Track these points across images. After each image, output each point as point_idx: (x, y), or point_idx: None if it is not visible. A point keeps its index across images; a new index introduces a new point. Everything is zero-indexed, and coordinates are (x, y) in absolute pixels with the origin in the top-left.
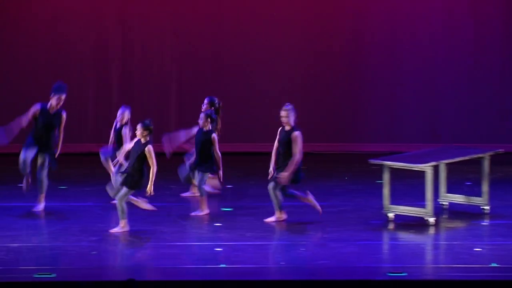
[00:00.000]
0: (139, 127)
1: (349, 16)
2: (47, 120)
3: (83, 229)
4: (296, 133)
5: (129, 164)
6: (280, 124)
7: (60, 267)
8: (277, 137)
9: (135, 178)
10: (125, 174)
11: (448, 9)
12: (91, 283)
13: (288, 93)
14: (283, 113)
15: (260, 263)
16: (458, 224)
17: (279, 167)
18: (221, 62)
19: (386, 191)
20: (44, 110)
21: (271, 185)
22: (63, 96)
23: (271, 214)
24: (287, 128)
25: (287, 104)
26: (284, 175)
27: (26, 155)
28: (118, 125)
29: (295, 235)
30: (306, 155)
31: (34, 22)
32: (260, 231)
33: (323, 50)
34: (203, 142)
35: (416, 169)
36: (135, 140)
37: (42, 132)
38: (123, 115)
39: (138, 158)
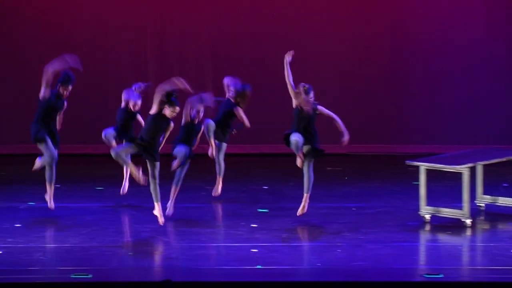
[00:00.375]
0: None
1: (389, 17)
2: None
3: (119, 229)
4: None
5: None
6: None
7: (96, 268)
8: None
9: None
10: (144, 144)
11: (487, 14)
12: (127, 284)
13: (325, 93)
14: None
15: (296, 264)
16: (495, 226)
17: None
18: (260, 63)
19: (422, 192)
20: None
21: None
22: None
23: (309, 215)
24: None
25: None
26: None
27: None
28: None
29: (331, 236)
30: (343, 156)
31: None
32: (296, 232)
33: (362, 51)
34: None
35: (452, 170)
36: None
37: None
38: (136, 103)
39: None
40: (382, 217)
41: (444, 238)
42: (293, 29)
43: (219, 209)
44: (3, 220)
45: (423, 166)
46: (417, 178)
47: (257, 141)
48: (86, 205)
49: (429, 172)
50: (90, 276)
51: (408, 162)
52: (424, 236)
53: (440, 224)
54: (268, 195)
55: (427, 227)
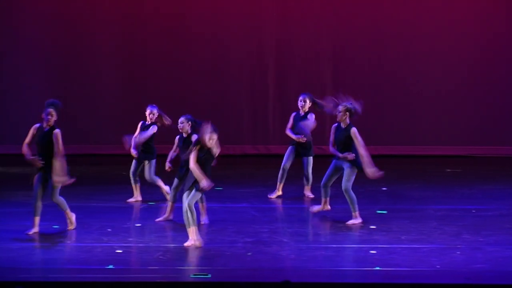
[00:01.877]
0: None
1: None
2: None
3: (238, 230)
4: (354, 129)
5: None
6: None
7: (216, 268)
8: (332, 135)
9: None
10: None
11: None
12: (246, 284)
13: (445, 97)
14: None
15: (415, 266)
16: None
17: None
18: (378, 63)
19: None
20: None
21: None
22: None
23: (428, 217)
24: (344, 125)
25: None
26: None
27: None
28: (148, 122)
29: (450, 238)
30: (463, 157)
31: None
32: (415, 234)
33: (486, 53)
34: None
35: None
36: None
37: None
38: (153, 111)
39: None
40: (503, 220)
41: None
42: (411, 31)
43: (338, 210)
44: (124, 219)
45: None
46: None
47: (375, 143)
48: (207, 205)
49: None
50: (209, 276)
51: None
52: None
53: None
54: (386, 197)
55: None
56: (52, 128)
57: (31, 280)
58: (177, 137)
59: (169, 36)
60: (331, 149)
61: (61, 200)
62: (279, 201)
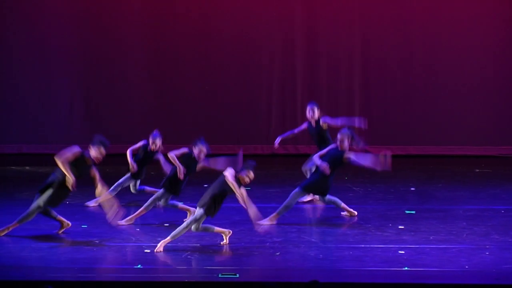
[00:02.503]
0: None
1: None
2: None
3: (267, 230)
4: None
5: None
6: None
7: (244, 268)
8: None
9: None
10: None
11: None
12: (274, 284)
13: (475, 96)
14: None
15: (444, 266)
16: None
17: None
18: (407, 62)
19: None
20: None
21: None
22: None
23: (457, 218)
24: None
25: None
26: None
27: None
28: (149, 149)
29: (479, 238)
30: (493, 158)
31: (218, 18)
32: (444, 234)
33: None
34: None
35: None
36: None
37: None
38: (156, 141)
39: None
40: None
41: None
42: (442, 29)
43: (366, 210)
44: (150, 218)
45: None
46: None
47: (405, 143)
48: (234, 205)
49: None
50: (237, 276)
51: None
52: None
53: None
54: (415, 197)
55: None
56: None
57: (60, 280)
58: (186, 151)
59: (198, 34)
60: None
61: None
62: (308, 201)
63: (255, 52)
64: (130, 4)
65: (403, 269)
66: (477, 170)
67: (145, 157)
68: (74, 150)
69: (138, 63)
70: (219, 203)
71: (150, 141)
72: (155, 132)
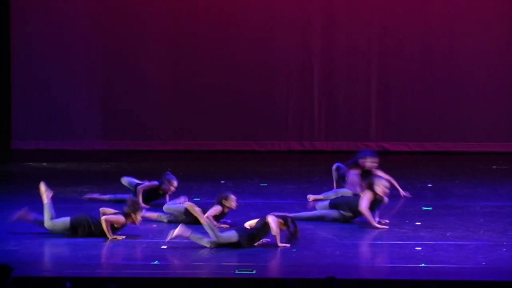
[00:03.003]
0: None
1: None
2: None
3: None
4: None
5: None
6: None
7: (260, 264)
8: None
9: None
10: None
11: None
12: (291, 280)
13: (492, 94)
14: None
15: (461, 263)
16: None
17: None
18: (424, 61)
19: None
20: None
21: None
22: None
23: (474, 214)
24: None
25: None
26: None
27: None
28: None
29: (497, 235)
30: (508, 155)
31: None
32: (461, 231)
33: None
34: None
35: None
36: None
37: None
38: (174, 183)
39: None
40: None
41: None
42: (462, 23)
43: (383, 207)
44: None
45: None
46: None
47: (422, 139)
48: (252, 201)
49: None
50: (254, 272)
51: None
52: None
53: None
54: (432, 193)
55: None
56: None
57: (78, 276)
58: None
59: (217, 33)
60: None
61: None
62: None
63: (272, 51)
64: (150, 2)
65: (420, 265)
66: (495, 167)
67: (155, 196)
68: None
69: (155, 60)
70: (253, 240)
71: (167, 183)
72: (169, 174)
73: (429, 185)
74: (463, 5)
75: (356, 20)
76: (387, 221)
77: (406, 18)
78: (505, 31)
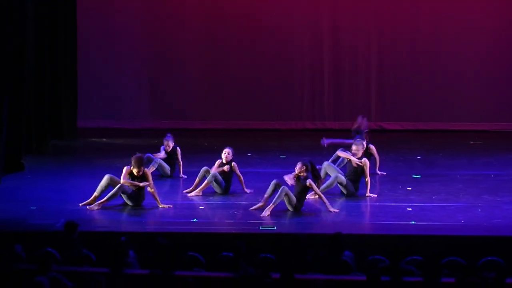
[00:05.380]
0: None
1: None
2: None
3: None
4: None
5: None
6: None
7: (280, 221)
8: None
9: None
10: None
11: None
12: (305, 235)
13: (470, 81)
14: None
15: (444, 221)
16: None
17: None
18: (415, 48)
19: None
20: None
21: None
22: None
23: (455, 181)
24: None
25: None
26: None
27: None
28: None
29: (473, 198)
30: (485, 132)
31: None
32: (444, 195)
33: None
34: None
35: None
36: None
37: None
38: (169, 143)
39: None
40: None
41: None
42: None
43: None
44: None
45: None
46: None
47: (413, 119)
48: (271, 170)
49: None
50: (274, 228)
51: None
52: None
53: None
54: (421, 164)
55: None
56: None
57: (131, 231)
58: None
59: (244, 28)
60: None
61: None
62: None
63: (290, 43)
64: (189, 2)
65: (411, 223)
66: (472, 142)
67: (168, 159)
68: None
69: (193, 56)
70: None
71: (165, 142)
72: (168, 135)
73: (418, 157)
74: None
75: (359, 18)
76: (375, 195)
77: (400, 14)
78: (485, 22)
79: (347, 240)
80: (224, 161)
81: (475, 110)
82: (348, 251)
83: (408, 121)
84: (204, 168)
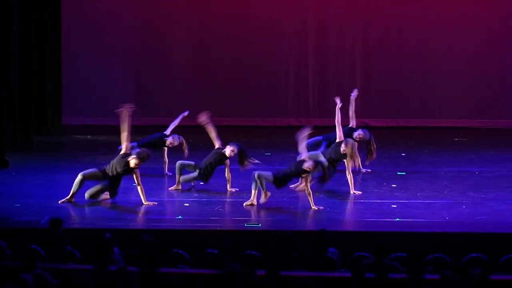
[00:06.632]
0: None
1: None
2: None
3: (284, 188)
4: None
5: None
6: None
7: (265, 219)
8: None
9: None
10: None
11: None
12: (290, 232)
13: (454, 78)
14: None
15: (429, 217)
16: None
17: None
18: (400, 44)
19: None
20: None
21: None
22: None
23: (439, 178)
24: None
25: None
26: None
27: None
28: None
29: (458, 195)
30: (469, 129)
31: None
32: (428, 191)
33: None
34: None
35: None
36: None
37: None
38: (174, 142)
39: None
40: (500, 180)
41: None
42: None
43: (365, 172)
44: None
45: None
46: None
47: (397, 116)
48: (258, 167)
49: None
50: (259, 225)
51: None
52: None
53: None
54: (405, 161)
55: None
56: None
57: (116, 228)
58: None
59: (232, 26)
60: None
61: None
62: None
63: (276, 41)
64: (176, 8)
65: (395, 220)
66: (456, 139)
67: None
68: None
69: (180, 56)
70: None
71: (171, 139)
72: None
73: (403, 154)
74: None
75: (344, 19)
76: (360, 192)
77: (387, 11)
78: (469, 21)
79: (332, 237)
80: (227, 155)
81: (459, 108)
82: (333, 248)
83: (393, 118)
84: (178, 162)
